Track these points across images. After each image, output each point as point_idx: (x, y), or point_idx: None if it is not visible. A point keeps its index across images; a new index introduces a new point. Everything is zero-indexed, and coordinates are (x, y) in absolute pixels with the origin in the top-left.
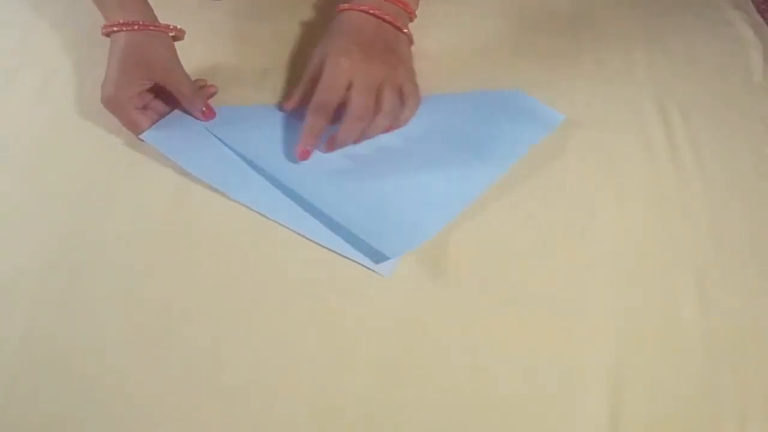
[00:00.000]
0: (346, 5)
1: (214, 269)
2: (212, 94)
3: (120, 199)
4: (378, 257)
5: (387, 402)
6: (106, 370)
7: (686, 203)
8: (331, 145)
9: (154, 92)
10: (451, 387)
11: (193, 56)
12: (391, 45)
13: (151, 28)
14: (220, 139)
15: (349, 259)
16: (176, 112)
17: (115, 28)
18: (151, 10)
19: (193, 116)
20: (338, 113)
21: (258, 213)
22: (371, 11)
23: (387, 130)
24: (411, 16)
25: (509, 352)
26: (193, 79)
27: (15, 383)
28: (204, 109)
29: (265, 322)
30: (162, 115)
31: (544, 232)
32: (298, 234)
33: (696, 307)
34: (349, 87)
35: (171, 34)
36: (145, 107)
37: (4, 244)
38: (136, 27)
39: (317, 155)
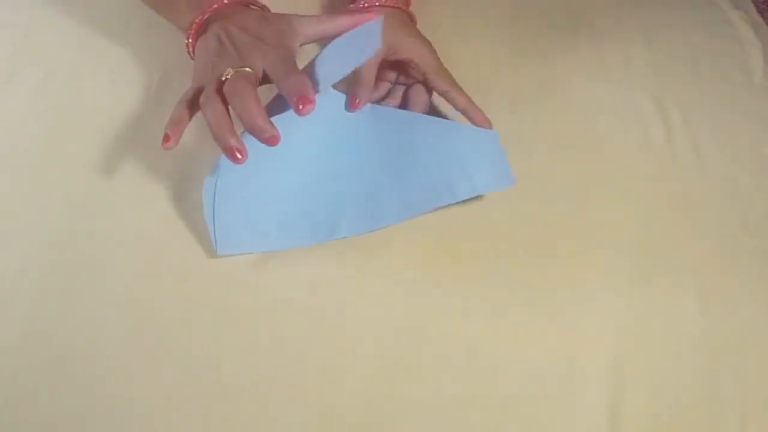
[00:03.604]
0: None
1: (214, 269)
2: None
3: (120, 200)
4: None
5: (387, 402)
6: (106, 371)
7: (686, 203)
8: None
9: None
10: (450, 387)
11: None
12: None
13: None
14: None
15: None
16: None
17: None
18: None
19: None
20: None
21: None
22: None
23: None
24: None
25: (509, 351)
26: None
27: (14, 384)
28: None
29: (265, 323)
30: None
31: (544, 231)
32: None
33: (696, 307)
34: None
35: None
36: None
37: (3, 244)
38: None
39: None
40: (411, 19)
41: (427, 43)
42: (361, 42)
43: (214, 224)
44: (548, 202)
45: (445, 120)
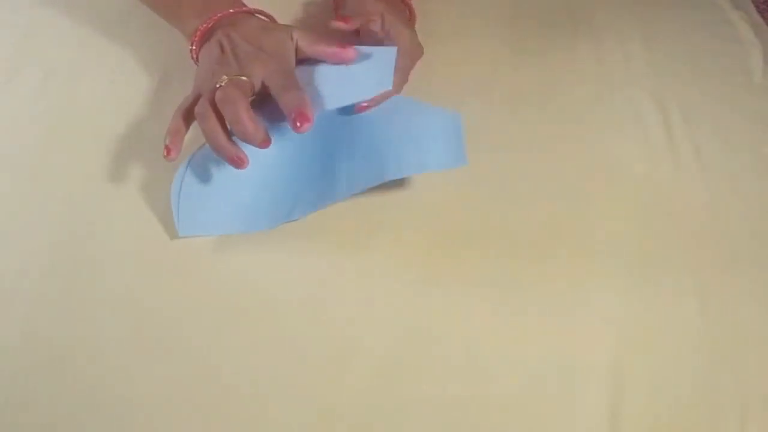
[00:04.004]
0: None
1: (214, 269)
2: None
3: (120, 200)
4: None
5: (387, 402)
6: (106, 372)
7: (686, 203)
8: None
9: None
10: (450, 387)
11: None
12: None
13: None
14: None
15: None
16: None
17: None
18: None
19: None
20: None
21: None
22: None
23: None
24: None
25: (509, 351)
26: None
27: (14, 384)
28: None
29: (264, 323)
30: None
31: (543, 231)
32: None
33: (696, 307)
34: None
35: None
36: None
37: (3, 244)
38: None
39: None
40: (410, 13)
41: (413, 30)
42: (374, 72)
43: (178, 207)
44: (548, 202)
45: (405, 97)
